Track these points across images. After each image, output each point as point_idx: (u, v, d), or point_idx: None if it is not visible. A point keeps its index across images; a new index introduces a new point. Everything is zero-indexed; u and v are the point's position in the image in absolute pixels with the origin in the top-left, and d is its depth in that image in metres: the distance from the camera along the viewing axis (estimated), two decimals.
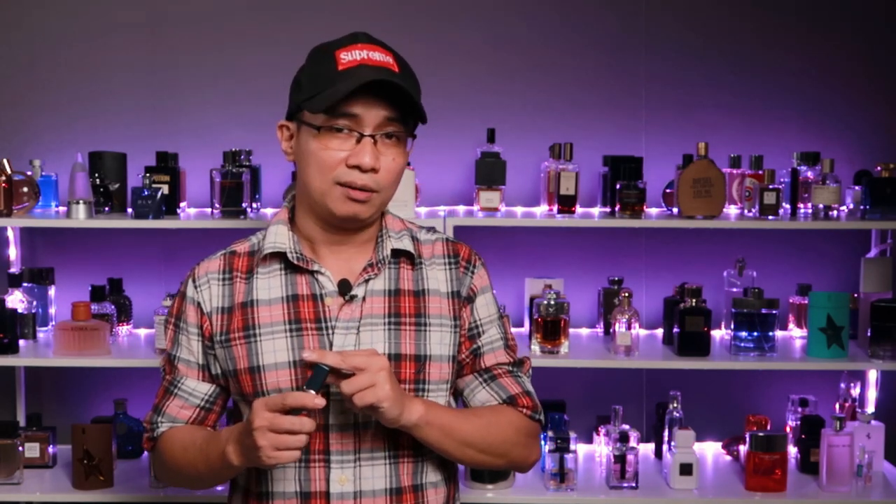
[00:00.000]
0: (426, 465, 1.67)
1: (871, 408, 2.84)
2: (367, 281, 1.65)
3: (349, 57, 1.57)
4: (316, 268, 1.64)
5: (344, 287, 1.63)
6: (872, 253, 2.84)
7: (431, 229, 1.77)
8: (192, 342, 1.69)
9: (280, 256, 1.66)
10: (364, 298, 1.64)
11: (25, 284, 2.78)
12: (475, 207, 2.72)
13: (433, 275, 1.69)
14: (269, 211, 2.84)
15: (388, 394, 1.50)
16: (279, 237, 1.66)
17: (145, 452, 2.82)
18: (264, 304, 1.64)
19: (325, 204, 1.60)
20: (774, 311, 2.65)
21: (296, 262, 1.64)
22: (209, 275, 1.69)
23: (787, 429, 2.83)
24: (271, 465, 1.49)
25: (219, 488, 2.59)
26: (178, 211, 2.74)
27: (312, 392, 1.47)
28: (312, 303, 1.63)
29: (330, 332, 1.62)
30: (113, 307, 2.79)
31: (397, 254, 1.68)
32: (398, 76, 1.57)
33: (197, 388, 1.70)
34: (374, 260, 1.66)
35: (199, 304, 1.68)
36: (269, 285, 1.65)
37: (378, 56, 1.58)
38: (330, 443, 1.61)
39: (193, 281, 1.69)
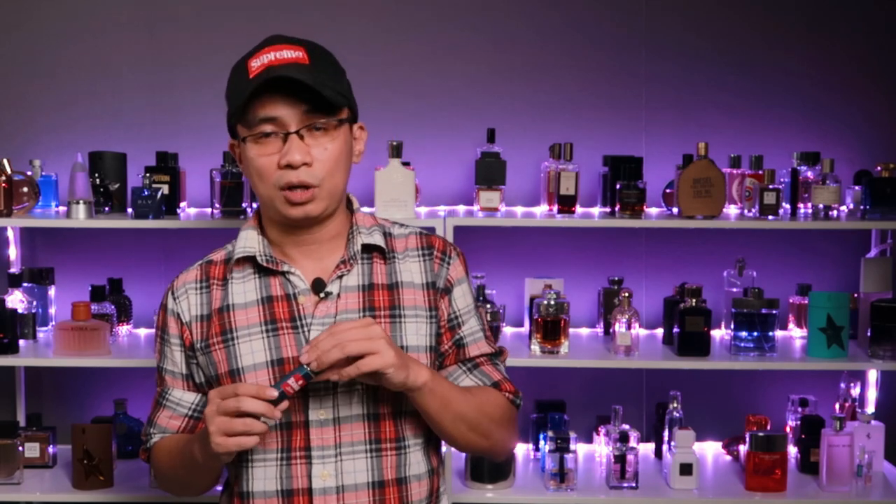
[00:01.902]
0: (409, 458, 1.67)
1: (871, 408, 2.84)
2: (340, 277, 1.66)
3: (257, 63, 1.58)
4: (286, 268, 1.66)
5: (318, 285, 1.64)
6: (872, 253, 2.84)
7: (404, 224, 1.77)
8: (175, 353, 1.71)
9: (252, 260, 1.68)
10: (339, 295, 1.65)
11: (25, 284, 2.78)
12: (475, 207, 2.72)
13: (406, 267, 1.70)
14: None
15: (393, 360, 1.51)
16: (249, 241, 1.68)
17: None
18: (240, 307, 1.66)
19: (277, 211, 1.62)
20: (774, 311, 2.65)
21: (265, 264, 1.66)
22: (187, 285, 1.71)
23: (787, 429, 2.83)
24: (222, 453, 1.50)
25: (218, 487, 2.59)
26: (178, 211, 2.74)
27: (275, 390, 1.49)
28: (287, 303, 1.65)
29: (306, 329, 1.63)
30: (113, 307, 2.79)
31: (369, 249, 1.69)
32: (307, 69, 1.56)
33: (183, 398, 1.72)
34: (346, 256, 1.67)
35: (178, 314, 1.70)
36: (244, 289, 1.67)
37: (287, 53, 1.58)
38: (311, 438, 1.61)
39: (172, 293, 1.72)
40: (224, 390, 1.51)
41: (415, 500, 1.67)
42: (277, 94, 1.56)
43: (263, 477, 1.64)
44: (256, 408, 1.47)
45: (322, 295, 1.64)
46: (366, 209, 1.79)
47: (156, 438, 1.74)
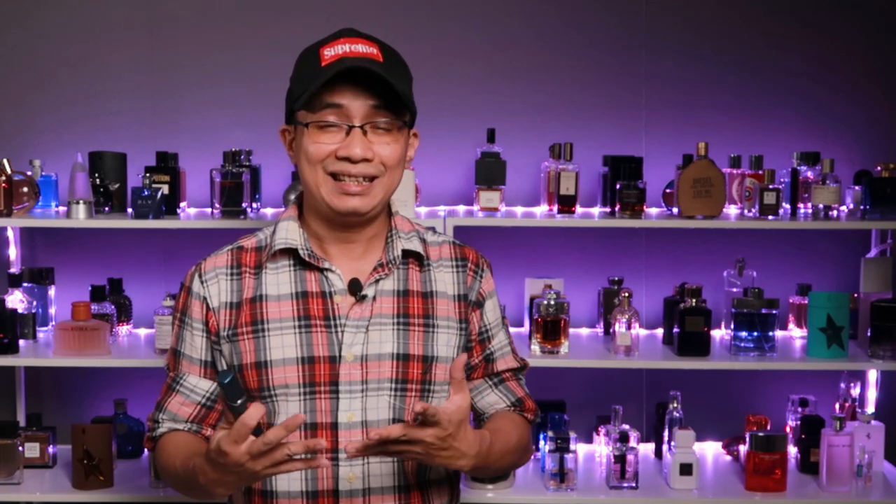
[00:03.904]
0: (431, 465, 1.68)
1: (871, 408, 2.84)
2: (377, 281, 1.65)
3: (332, 52, 1.59)
4: (326, 265, 1.64)
5: (355, 287, 1.63)
6: (872, 253, 2.84)
7: (434, 230, 1.79)
8: (196, 338, 1.69)
9: (290, 253, 1.66)
10: (374, 298, 1.64)
11: (25, 284, 2.78)
12: (475, 207, 2.72)
13: (440, 277, 1.70)
14: (269, 211, 2.84)
15: (470, 463, 1.54)
16: (290, 233, 1.66)
17: (145, 452, 2.82)
18: (273, 299, 1.64)
19: (324, 200, 1.61)
20: (774, 311, 2.65)
21: (307, 258, 1.64)
22: (217, 270, 1.68)
23: (787, 429, 2.83)
24: (280, 473, 1.48)
25: None
26: (178, 211, 2.74)
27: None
28: (322, 300, 1.64)
29: (339, 329, 1.62)
30: (113, 307, 2.79)
31: (406, 254, 1.69)
32: (381, 65, 1.57)
33: (198, 386, 1.70)
34: (385, 260, 1.66)
35: (205, 299, 1.67)
36: (279, 281, 1.65)
37: (361, 48, 1.59)
38: (339, 441, 1.61)
39: (200, 276, 1.68)
40: (235, 434, 1.40)
41: None
42: (349, 85, 1.57)
43: (287, 477, 1.62)
44: (281, 436, 1.42)
45: (358, 297, 1.63)
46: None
47: (164, 428, 1.70)
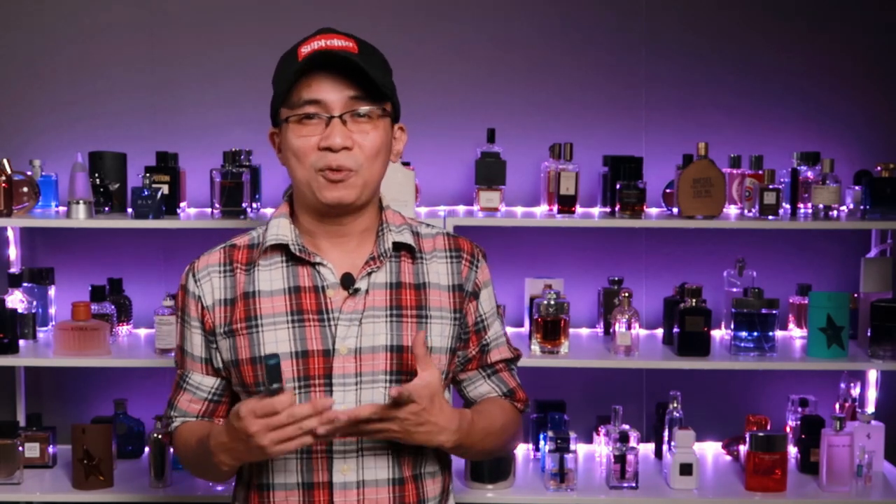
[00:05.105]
0: (425, 457, 1.69)
1: (871, 408, 2.84)
2: (369, 274, 1.66)
3: (308, 48, 1.61)
4: (318, 260, 1.66)
5: (347, 281, 1.64)
6: (872, 253, 2.84)
7: (430, 224, 1.80)
8: (195, 336, 1.71)
9: (281, 249, 1.68)
10: (367, 291, 1.65)
11: (25, 284, 2.78)
12: (475, 207, 2.72)
13: (434, 268, 1.71)
14: (268, 211, 2.83)
15: (451, 438, 1.57)
16: (281, 229, 1.68)
17: (145, 452, 2.82)
18: (266, 295, 1.65)
19: (312, 193, 1.63)
20: (774, 311, 2.65)
21: (298, 253, 1.66)
22: (209, 268, 1.70)
23: (787, 429, 2.83)
24: (281, 454, 1.51)
25: (219, 488, 2.60)
26: (178, 211, 2.74)
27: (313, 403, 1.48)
28: (314, 294, 1.65)
29: (332, 323, 1.63)
30: (113, 307, 2.79)
31: (398, 247, 1.70)
32: (355, 56, 1.59)
33: (203, 383, 1.72)
34: (376, 253, 1.67)
35: (199, 297, 1.69)
36: (271, 277, 1.67)
37: (337, 42, 1.62)
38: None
39: (193, 275, 1.71)
40: (260, 408, 1.46)
41: (430, 497, 1.70)
42: (325, 77, 1.59)
43: (284, 470, 1.64)
44: (306, 412, 1.47)
45: (351, 291, 1.64)
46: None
47: (177, 423, 1.74)
